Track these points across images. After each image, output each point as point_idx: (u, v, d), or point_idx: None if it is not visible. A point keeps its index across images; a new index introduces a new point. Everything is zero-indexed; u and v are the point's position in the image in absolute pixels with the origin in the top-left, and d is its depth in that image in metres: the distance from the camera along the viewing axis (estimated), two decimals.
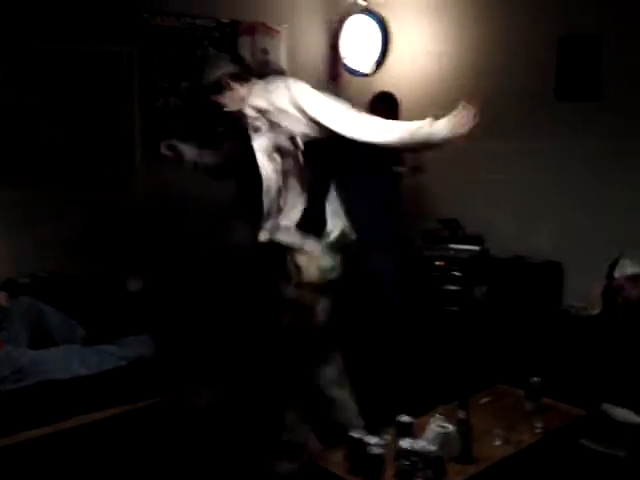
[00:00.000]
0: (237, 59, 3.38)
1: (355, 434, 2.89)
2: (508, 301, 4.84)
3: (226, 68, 3.22)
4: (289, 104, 3.06)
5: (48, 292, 4.19)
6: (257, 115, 3.16)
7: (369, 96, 5.06)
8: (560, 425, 3.28)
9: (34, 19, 4.37)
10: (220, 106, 3.24)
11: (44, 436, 3.55)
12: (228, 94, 3.20)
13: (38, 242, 4.62)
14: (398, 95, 5.02)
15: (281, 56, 5.53)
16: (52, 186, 4.71)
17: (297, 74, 5.62)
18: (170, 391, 3.99)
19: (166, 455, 3.76)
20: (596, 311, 4.28)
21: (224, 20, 5.27)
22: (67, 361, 3.75)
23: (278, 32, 5.55)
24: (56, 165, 4.71)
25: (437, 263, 5.05)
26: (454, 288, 5.03)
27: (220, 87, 3.20)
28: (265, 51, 5.47)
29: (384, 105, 4.80)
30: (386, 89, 5.20)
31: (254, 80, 3.25)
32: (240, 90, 3.20)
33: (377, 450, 2.75)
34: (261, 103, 3.15)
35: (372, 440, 2.81)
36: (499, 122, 5.01)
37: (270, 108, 3.11)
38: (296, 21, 5.70)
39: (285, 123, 3.09)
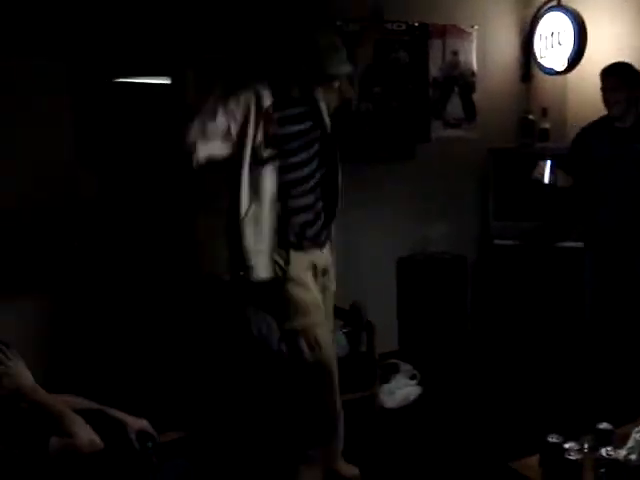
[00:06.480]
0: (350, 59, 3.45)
1: (552, 438, 2.85)
2: None
3: (349, 67, 3.37)
4: None
5: None
6: None
7: (563, 94, 4.92)
8: None
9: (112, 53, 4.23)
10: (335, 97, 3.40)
11: None
12: (337, 90, 3.37)
13: None
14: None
15: (472, 57, 5.51)
16: None
17: (488, 75, 5.61)
18: None
19: None
20: None
21: (414, 23, 5.31)
22: None
23: (469, 34, 5.52)
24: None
25: None
26: None
27: (334, 79, 3.33)
28: (455, 53, 5.47)
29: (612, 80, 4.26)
30: (582, 87, 5.03)
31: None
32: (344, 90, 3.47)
33: (575, 456, 2.68)
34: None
35: (570, 445, 2.76)
36: None
37: None
38: (487, 22, 5.62)
39: None
